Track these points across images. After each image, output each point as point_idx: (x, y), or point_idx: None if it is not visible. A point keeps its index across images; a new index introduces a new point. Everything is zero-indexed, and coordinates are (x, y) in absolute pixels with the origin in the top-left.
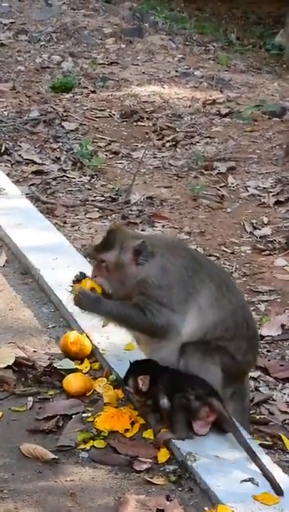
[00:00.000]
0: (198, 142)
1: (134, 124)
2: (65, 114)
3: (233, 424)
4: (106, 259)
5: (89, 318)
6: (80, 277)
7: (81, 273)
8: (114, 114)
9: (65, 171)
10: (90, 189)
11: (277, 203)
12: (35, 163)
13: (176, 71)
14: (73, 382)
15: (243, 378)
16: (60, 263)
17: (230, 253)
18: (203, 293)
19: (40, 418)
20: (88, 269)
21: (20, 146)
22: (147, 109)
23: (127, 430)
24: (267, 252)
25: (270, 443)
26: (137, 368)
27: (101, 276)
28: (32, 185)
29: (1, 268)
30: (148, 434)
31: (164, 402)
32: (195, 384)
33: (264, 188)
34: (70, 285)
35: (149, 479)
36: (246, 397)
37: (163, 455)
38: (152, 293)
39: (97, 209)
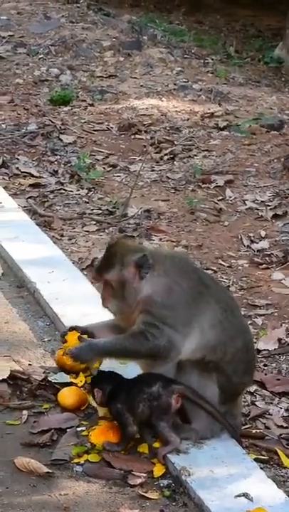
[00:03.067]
0: (196, 155)
1: (132, 137)
2: (63, 127)
3: (200, 397)
4: (109, 278)
5: None
6: (65, 333)
7: (63, 332)
8: (112, 127)
9: (62, 184)
10: (88, 202)
11: (275, 216)
12: (32, 176)
13: (175, 84)
14: (68, 396)
15: (237, 398)
16: (57, 276)
17: (228, 267)
18: (207, 314)
19: (34, 432)
20: (84, 283)
21: (17, 159)
22: (145, 122)
23: None
24: (264, 265)
25: (266, 458)
26: (97, 378)
27: (109, 297)
28: (29, 198)
29: None
30: (142, 448)
31: (134, 428)
32: (146, 386)
33: (262, 201)
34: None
35: (143, 494)
36: (238, 416)
37: (159, 469)
38: (157, 311)
39: (94, 222)
